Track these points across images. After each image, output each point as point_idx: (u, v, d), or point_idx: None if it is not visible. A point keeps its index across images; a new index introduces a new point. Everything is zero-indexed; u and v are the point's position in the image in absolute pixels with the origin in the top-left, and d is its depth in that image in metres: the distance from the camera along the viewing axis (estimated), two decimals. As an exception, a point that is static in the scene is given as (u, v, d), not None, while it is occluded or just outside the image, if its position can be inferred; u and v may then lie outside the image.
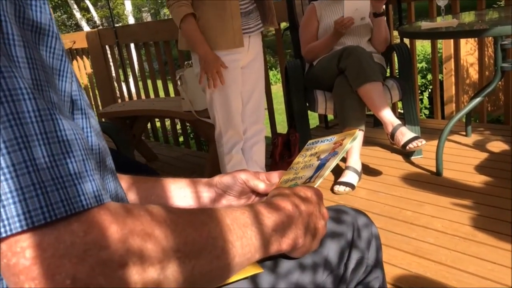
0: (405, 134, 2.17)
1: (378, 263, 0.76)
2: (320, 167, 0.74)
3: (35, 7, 0.44)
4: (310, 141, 0.86)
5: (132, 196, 0.72)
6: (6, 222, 0.36)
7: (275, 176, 0.79)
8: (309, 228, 0.62)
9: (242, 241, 0.52)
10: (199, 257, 0.47)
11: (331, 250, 0.69)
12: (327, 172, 0.71)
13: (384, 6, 2.61)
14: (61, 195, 0.38)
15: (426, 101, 5.80)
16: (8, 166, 0.36)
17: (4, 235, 0.36)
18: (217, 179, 0.78)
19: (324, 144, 0.81)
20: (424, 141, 2.12)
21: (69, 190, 0.38)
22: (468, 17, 2.62)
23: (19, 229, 0.36)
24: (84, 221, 0.39)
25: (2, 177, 0.36)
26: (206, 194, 0.78)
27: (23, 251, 0.36)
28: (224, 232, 0.51)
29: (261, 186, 0.76)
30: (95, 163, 0.43)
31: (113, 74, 4.75)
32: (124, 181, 0.73)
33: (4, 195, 0.36)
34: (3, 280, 0.41)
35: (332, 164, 0.72)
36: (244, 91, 2.24)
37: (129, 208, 0.44)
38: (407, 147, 2.14)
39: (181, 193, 0.77)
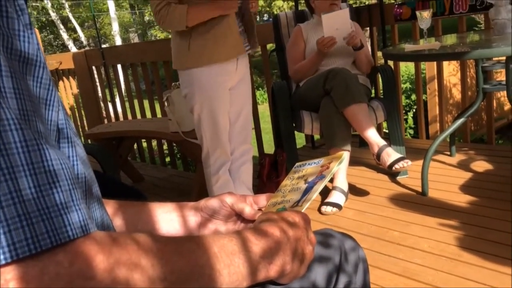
0: (391, 155, 2.20)
1: (365, 287, 0.76)
2: (307, 190, 0.74)
3: (23, 38, 0.44)
4: (297, 164, 0.86)
5: (118, 222, 0.72)
6: None
7: (262, 199, 0.79)
8: (297, 254, 0.62)
9: (230, 269, 0.52)
10: (186, 286, 0.46)
11: (319, 274, 0.69)
12: (314, 195, 0.71)
13: (366, 32, 2.66)
14: (47, 226, 0.37)
15: (410, 121, 5.87)
16: None
17: None
18: (203, 203, 0.78)
19: (311, 167, 0.82)
20: (409, 162, 2.15)
21: (55, 220, 0.38)
22: (450, 40, 2.68)
23: (3, 262, 0.35)
24: (69, 251, 0.39)
25: None
26: (193, 218, 0.78)
27: (7, 283, 0.36)
28: (211, 260, 0.51)
29: (247, 210, 0.76)
30: (81, 192, 0.43)
31: (100, 95, 4.74)
32: (110, 206, 0.72)
33: None
34: None
35: (319, 187, 0.72)
36: (231, 111, 2.25)
37: (115, 237, 0.44)
38: (393, 168, 2.16)
39: (167, 217, 0.76)
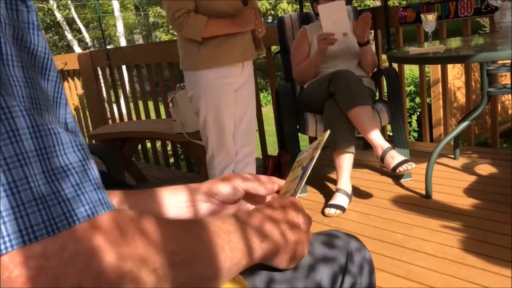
0: (395, 157, 2.20)
1: (370, 288, 0.76)
2: (302, 176, 0.75)
3: (32, 31, 0.44)
4: (300, 153, 0.88)
5: None
6: (6, 239, 0.35)
7: (273, 183, 0.78)
8: (295, 258, 0.64)
9: (230, 245, 0.53)
10: (197, 263, 0.47)
11: (324, 275, 0.69)
12: (304, 180, 0.73)
13: (371, 35, 2.66)
14: (63, 208, 0.38)
15: (414, 124, 5.87)
16: (9, 183, 0.36)
17: (4, 251, 0.35)
18: (215, 189, 0.76)
19: (307, 152, 0.84)
20: (413, 165, 2.15)
21: (71, 201, 0.39)
22: (454, 43, 2.68)
23: (22, 245, 0.36)
24: (88, 228, 0.39)
25: (3, 193, 0.36)
26: (204, 205, 0.77)
27: (27, 260, 0.36)
28: (212, 237, 0.52)
29: (261, 191, 0.76)
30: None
31: (104, 96, 4.75)
32: (116, 196, 0.73)
33: (6, 211, 0.35)
34: None
35: (308, 172, 0.74)
36: (236, 113, 2.26)
37: (129, 215, 0.44)
38: (397, 171, 2.16)
39: (176, 199, 0.76)
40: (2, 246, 0.35)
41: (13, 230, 0.36)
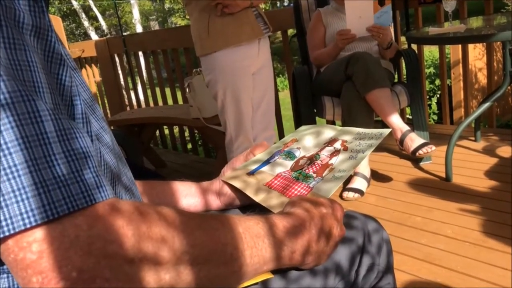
0: (414, 140, 2.17)
1: (389, 269, 0.76)
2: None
3: (55, 39, 0.46)
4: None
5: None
6: (3, 223, 0.36)
7: (258, 150, 0.86)
8: (323, 231, 0.62)
9: (252, 251, 0.52)
10: (207, 261, 0.47)
11: (342, 255, 0.68)
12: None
13: (392, 37, 2.60)
14: (67, 192, 0.39)
15: (434, 106, 5.79)
16: (20, 163, 0.37)
17: (8, 233, 0.37)
18: (225, 189, 0.81)
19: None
20: (433, 147, 2.12)
21: (72, 187, 0.39)
22: (475, 22, 2.62)
23: (28, 226, 0.37)
24: (88, 215, 0.39)
25: (10, 176, 0.37)
26: (215, 201, 0.82)
27: (30, 245, 0.37)
28: (235, 240, 0.51)
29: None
30: (97, 161, 0.44)
31: (122, 82, 4.78)
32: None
33: (9, 194, 0.37)
34: (6, 278, 0.42)
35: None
36: (254, 97, 2.25)
37: (137, 205, 0.44)
38: (417, 154, 2.14)
39: (189, 198, 0.80)
40: (9, 227, 0.37)
41: (20, 211, 0.37)
